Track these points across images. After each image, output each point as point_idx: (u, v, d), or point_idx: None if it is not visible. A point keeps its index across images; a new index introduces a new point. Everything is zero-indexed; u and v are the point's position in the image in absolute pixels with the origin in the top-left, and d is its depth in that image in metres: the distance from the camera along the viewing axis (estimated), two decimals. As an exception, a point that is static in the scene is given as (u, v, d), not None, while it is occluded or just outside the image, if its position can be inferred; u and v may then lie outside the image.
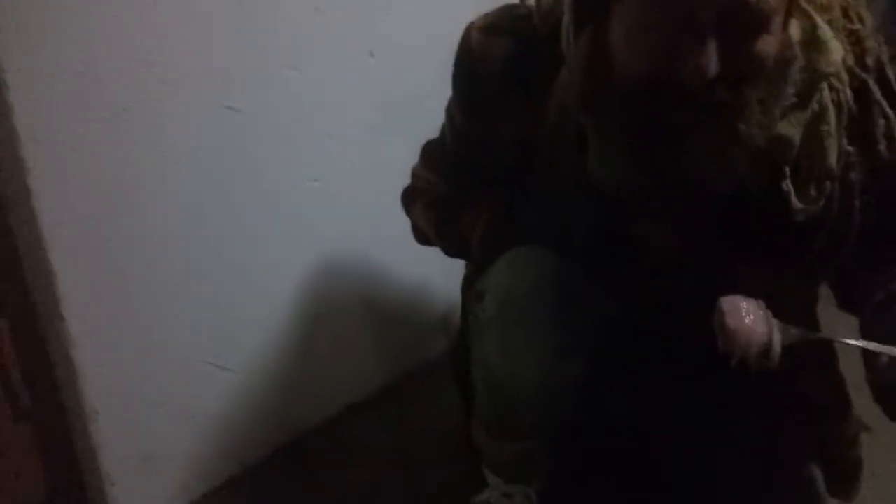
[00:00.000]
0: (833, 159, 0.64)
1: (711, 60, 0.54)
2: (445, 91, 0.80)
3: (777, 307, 0.77)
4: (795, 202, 0.64)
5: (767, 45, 0.56)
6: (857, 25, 0.65)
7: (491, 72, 0.73)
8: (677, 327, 0.74)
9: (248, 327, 1.08)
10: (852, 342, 0.58)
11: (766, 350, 0.55)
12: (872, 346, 0.56)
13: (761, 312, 0.56)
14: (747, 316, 0.55)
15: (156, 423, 1.00)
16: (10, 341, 0.86)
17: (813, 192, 0.65)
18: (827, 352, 0.83)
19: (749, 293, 0.72)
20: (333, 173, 1.10)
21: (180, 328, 0.99)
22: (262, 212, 1.03)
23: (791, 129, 0.62)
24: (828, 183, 0.65)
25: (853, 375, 0.72)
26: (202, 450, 1.07)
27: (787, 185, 0.64)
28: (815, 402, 0.82)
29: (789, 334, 0.56)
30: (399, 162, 0.92)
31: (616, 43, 0.59)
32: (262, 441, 1.16)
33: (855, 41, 0.65)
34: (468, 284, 0.91)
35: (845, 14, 0.65)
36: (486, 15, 0.75)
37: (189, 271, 0.97)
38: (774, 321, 0.56)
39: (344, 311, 1.22)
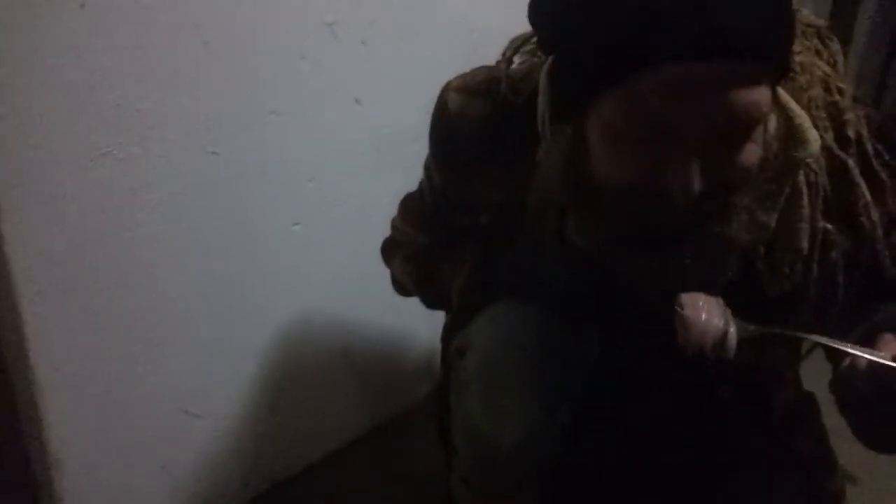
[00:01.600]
0: (804, 242, 0.64)
1: (695, 178, 0.53)
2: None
3: (762, 372, 0.76)
4: (768, 282, 0.65)
5: (752, 154, 0.56)
6: (837, 97, 0.65)
7: (468, 133, 0.72)
8: (662, 379, 0.73)
9: (223, 373, 1.06)
10: (811, 337, 0.58)
11: (722, 341, 0.56)
12: (831, 341, 0.56)
13: (718, 306, 0.57)
14: (704, 308, 0.57)
15: (125, 473, 0.97)
16: (-25, 387, 0.84)
17: (786, 270, 0.65)
18: (810, 405, 0.83)
19: (734, 362, 0.73)
20: (315, 217, 1.09)
21: (153, 375, 0.96)
22: (243, 255, 1.02)
23: (766, 215, 0.63)
24: (799, 264, 0.65)
25: (834, 423, 0.71)
26: (174, 500, 1.04)
27: (761, 265, 0.65)
28: (802, 456, 0.81)
29: (745, 328, 0.57)
30: (382, 207, 0.92)
31: (593, 146, 0.58)
32: (236, 490, 1.13)
33: (835, 115, 0.65)
34: (448, 334, 0.90)
35: (826, 89, 0.65)
36: (464, 75, 0.75)
37: (165, 316, 0.95)
38: (731, 316, 0.57)
39: (323, 357, 1.20)
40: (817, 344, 0.60)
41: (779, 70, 0.56)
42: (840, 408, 0.61)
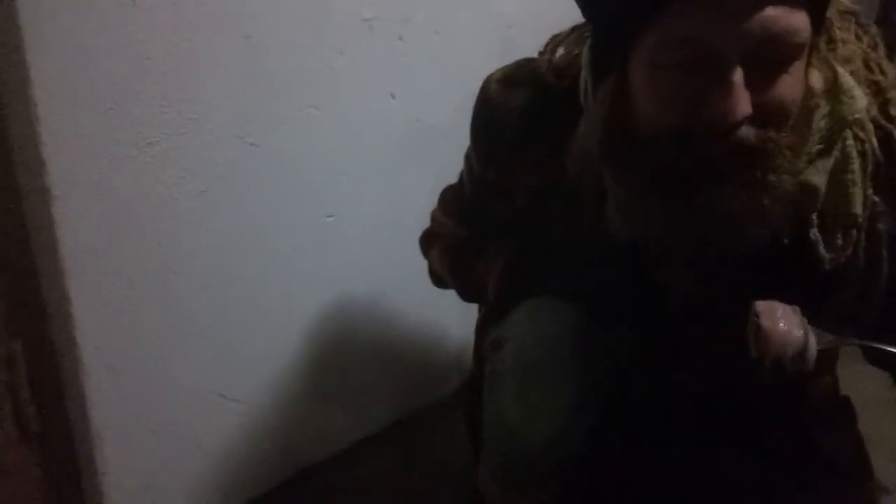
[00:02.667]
0: (858, 207, 0.62)
1: (739, 101, 0.52)
2: (464, 133, 0.81)
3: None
4: (822, 251, 0.63)
5: (791, 88, 0.55)
6: (879, 77, 0.65)
7: (509, 122, 0.73)
8: (697, 380, 0.73)
9: (258, 360, 1.09)
10: (888, 347, 0.56)
11: (802, 352, 0.54)
12: None
13: (796, 315, 0.56)
14: (783, 318, 0.55)
15: (161, 452, 1.00)
16: (24, 363, 0.88)
17: (839, 240, 0.63)
18: (847, 409, 0.82)
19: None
20: (348, 210, 1.11)
21: (191, 359, 1.00)
22: (278, 245, 1.05)
23: (817, 176, 0.61)
24: (854, 232, 0.63)
25: (871, 430, 0.70)
26: (206, 481, 1.07)
27: (815, 233, 0.63)
28: (835, 463, 0.80)
29: (824, 339, 0.55)
30: (416, 201, 0.94)
31: (636, 91, 0.58)
32: (266, 474, 1.16)
33: (877, 92, 0.65)
34: (483, 328, 0.90)
35: (866, 65, 0.65)
36: (506, 67, 0.76)
37: (203, 302, 0.98)
38: (809, 325, 0.55)
39: (355, 347, 1.22)
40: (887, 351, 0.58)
41: (816, 4, 0.55)
42: None
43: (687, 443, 0.77)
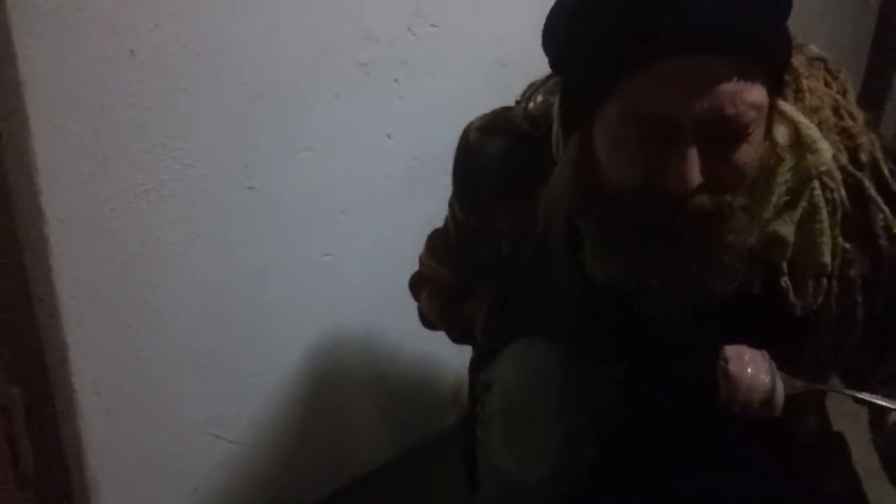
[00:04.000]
0: (827, 256, 0.64)
1: (693, 170, 0.55)
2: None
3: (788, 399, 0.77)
4: (792, 299, 0.65)
5: (748, 156, 0.57)
6: (849, 123, 0.66)
7: (487, 170, 0.75)
8: (687, 415, 0.73)
9: (254, 399, 1.09)
10: (857, 394, 0.57)
11: (769, 398, 0.55)
12: (878, 399, 0.55)
13: (765, 361, 0.56)
14: (751, 363, 0.55)
15: (158, 493, 1.00)
16: (22, 409, 0.88)
17: (810, 289, 0.65)
18: (839, 445, 0.82)
19: None
20: (345, 248, 1.12)
21: (187, 400, 1.00)
22: (275, 285, 1.06)
23: (784, 227, 0.63)
24: (824, 280, 0.65)
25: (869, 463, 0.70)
26: (202, 522, 1.07)
27: (785, 281, 0.65)
28: (832, 498, 0.79)
29: (792, 384, 0.56)
30: (411, 239, 0.95)
31: (600, 151, 0.61)
32: (262, 514, 1.15)
33: (848, 138, 0.66)
34: (475, 368, 0.91)
35: (836, 113, 0.66)
36: (485, 115, 0.79)
37: (199, 343, 0.99)
38: (777, 371, 0.56)
39: (352, 384, 1.22)
40: (858, 399, 0.59)
41: (775, 72, 0.58)
42: (882, 462, 0.60)
43: (681, 478, 0.77)
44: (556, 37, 0.64)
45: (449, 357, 1.30)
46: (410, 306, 0.96)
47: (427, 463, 1.34)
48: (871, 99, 2.36)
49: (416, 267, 0.95)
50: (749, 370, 0.55)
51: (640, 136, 0.57)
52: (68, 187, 0.81)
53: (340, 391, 1.20)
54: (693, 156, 0.55)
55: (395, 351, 1.26)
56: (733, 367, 0.55)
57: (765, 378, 0.55)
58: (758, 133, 0.58)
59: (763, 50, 0.55)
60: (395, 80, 1.11)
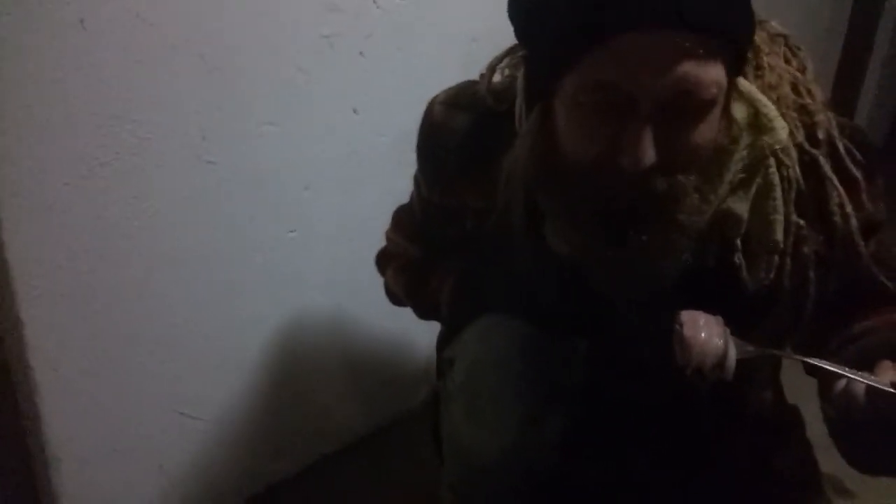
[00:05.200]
0: (779, 234, 0.65)
1: (648, 150, 0.55)
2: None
3: (743, 374, 0.77)
4: (746, 275, 0.65)
5: (704, 136, 0.57)
6: (808, 100, 0.67)
7: (451, 146, 0.75)
8: (648, 390, 0.74)
9: (221, 376, 1.09)
10: (808, 359, 0.57)
11: (721, 361, 0.55)
12: (827, 364, 0.55)
13: (718, 326, 0.57)
14: (704, 328, 0.56)
15: (122, 472, 1.00)
16: (-21, 387, 0.87)
17: (763, 265, 0.66)
18: (794, 418, 0.83)
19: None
20: (311, 225, 1.11)
21: (150, 378, 0.99)
22: (239, 261, 1.05)
23: (739, 204, 0.63)
24: (776, 257, 0.65)
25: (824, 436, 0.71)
26: (169, 500, 1.06)
27: (739, 257, 0.65)
28: (786, 474, 0.81)
29: (745, 349, 0.57)
30: (378, 215, 0.94)
31: (559, 125, 0.60)
32: (232, 492, 1.15)
33: (805, 115, 0.66)
34: (441, 344, 0.91)
35: (795, 90, 0.67)
36: (449, 89, 0.78)
37: (162, 320, 0.98)
38: (731, 336, 0.57)
39: (321, 361, 1.22)
40: (807, 363, 0.60)
41: (736, 51, 0.57)
42: (831, 431, 0.61)
43: (642, 455, 0.78)
44: (520, 7, 0.63)
45: (420, 333, 1.30)
46: (379, 283, 0.96)
47: (398, 439, 1.34)
48: (848, 76, 2.36)
49: (384, 243, 0.95)
50: (703, 334, 0.56)
51: (598, 111, 0.56)
52: (18, 161, 0.79)
53: (309, 369, 1.20)
54: (648, 134, 0.55)
55: (364, 328, 1.26)
56: (687, 331, 0.56)
57: (717, 342, 0.56)
58: (715, 111, 0.57)
59: (727, 27, 0.55)
60: (361, 53, 1.09)
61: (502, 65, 0.74)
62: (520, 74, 0.68)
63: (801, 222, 0.65)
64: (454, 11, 1.18)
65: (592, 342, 0.76)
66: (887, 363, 0.55)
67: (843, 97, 2.34)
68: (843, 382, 0.57)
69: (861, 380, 0.52)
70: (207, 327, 1.04)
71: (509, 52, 0.74)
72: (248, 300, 1.08)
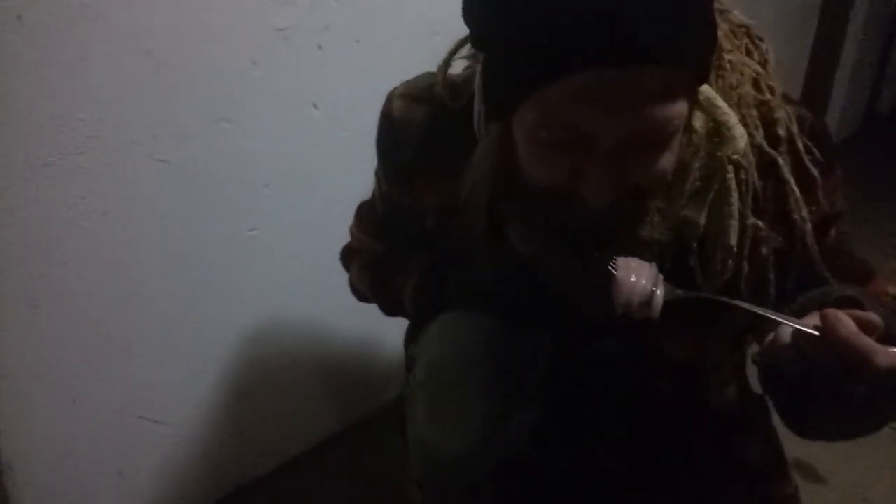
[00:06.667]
0: (733, 239, 0.64)
1: (607, 185, 0.53)
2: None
3: (705, 372, 0.77)
4: (701, 278, 0.65)
5: (667, 162, 0.56)
6: (768, 96, 0.65)
7: (409, 140, 0.73)
8: (613, 384, 0.74)
9: (182, 380, 1.07)
10: (734, 303, 0.58)
11: (648, 301, 0.58)
12: (755, 308, 0.56)
13: (648, 269, 0.59)
14: (635, 270, 0.59)
15: (80, 479, 0.98)
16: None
17: (717, 267, 0.66)
18: (758, 408, 0.83)
19: (675, 360, 0.73)
20: (272, 223, 1.09)
21: (107, 382, 0.97)
22: (198, 262, 1.03)
23: (696, 211, 0.63)
24: (730, 261, 0.65)
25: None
26: (131, 505, 1.05)
27: (694, 261, 0.65)
28: (751, 464, 0.81)
29: (672, 291, 0.59)
30: (341, 211, 0.92)
31: (519, 148, 0.58)
32: (199, 494, 1.14)
33: (766, 112, 0.65)
34: (409, 340, 0.90)
35: (756, 86, 0.65)
36: (408, 82, 0.76)
37: (116, 324, 0.96)
38: (662, 279, 0.59)
39: (285, 361, 1.20)
40: (735, 306, 0.60)
41: (698, 76, 0.55)
42: (762, 383, 0.61)
43: (607, 448, 0.78)
44: (475, 14, 0.59)
45: (387, 332, 1.29)
46: (345, 280, 0.95)
47: (369, 437, 1.33)
48: (821, 65, 2.37)
49: (347, 240, 0.93)
50: (632, 276, 0.58)
51: (557, 145, 0.54)
52: (-46, 162, 0.77)
53: (275, 368, 1.18)
54: (610, 171, 0.53)
55: (330, 326, 1.24)
56: (619, 273, 0.59)
57: (644, 283, 0.58)
58: (678, 136, 0.55)
59: (693, 58, 0.52)
60: (319, 46, 1.07)
61: (459, 55, 0.71)
62: (478, 73, 0.64)
63: (760, 224, 0.65)
64: (415, 4, 1.16)
65: (556, 337, 0.76)
66: (815, 312, 0.54)
67: (817, 85, 2.35)
68: (772, 333, 0.57)
69: (786, 322, 0.53)
70: (166, 329, 1.02)
71: (463, 42, 0.71)
72: (208, 301, 1.06)
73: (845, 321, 0.49)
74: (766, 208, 0.66)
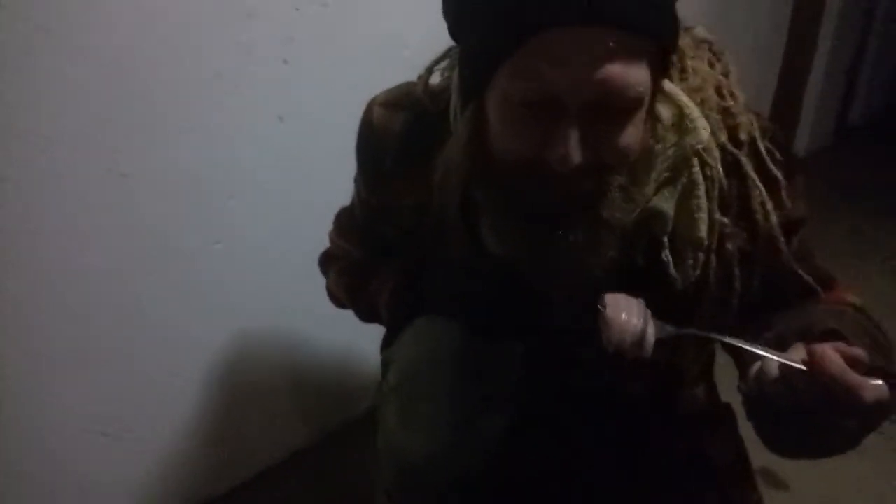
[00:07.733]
0: (703, 231, 0.66)
1: (575, 148, 0.56)
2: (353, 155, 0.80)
3: (674, 368, 0.78)
4: (672, 271, 0.67)
5: (631, 137, 0.58)
6: (730, 102, 0.68)
7: (389, 146, 0.75)
8: (586, 387, 0.74)
9: (145, 395, 1.06)
10: (725, 339, 0.59)
11: (640, 340, 0.58)
12: (741, 343, 0.57)
13: (637, 307, 0.60)
14: (625, 309, 0.59)
15: (38, 496, 0.96)
16: None
17: (689, 261, 0.67)
18: (727, 415, 0.84)
19: (649, 360, 0.74)
20: (237, 235, 1.09)
21: (68, 397, 0.96)
22: (160, 276, 1.02)
23: (664, 203, 0.65)
24: (701, 254, 0.67)
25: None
26: (94, 522, 1.03)
27: (666, 254, 0.67)
28: (721, 466, 0.82)
29: (664, 329, 0.60)
30: (307, 223, 0.92)
31: (492, 125, 0.61)
32: (164, 509, 1.12)
33: (728, 117, 0.68)
34: (384, 346, 0.90)
35: (718, 92, 0.68)
36: (389, 90, 0.78)
37: (75, 340, 0.95)
38: (651, 317, 0.60)
39: (251, 374, 1.20)
40: (723, 342, 0.61)
41: (661, 52, 0.58)
42: (747, 412, 0.62)
43: (578, 452, 0.79)
44: (451, 3, 0.63)
45: (363, 339, 1.29)
46: (310, 292, 0.95)
47: (344, 447, 1.33)
48: (792, 74, 2.40)
49: (317, 250, 0.93)
50: (623, 315, 0.58)
51: (526, 111, 0.57)
52: None
53: (244, 382, 1.18)
54: (576, 133, 0.56)
55: (300, 338, 1.24)
56: (609, 312, 0.59)
57: (636, 321, 0.58)
58: (641, 113, 0.58)
59: (650, 27, 0.56)
60: (285, 60, 1.07)
61: (440, 66, 0.74)
62: (455, 72, 0.68)
63: (725, 220, 0.67)
64: (380, 17, 1.17)
65: (528, 342, 0.76)
66: (799, 345, 0.56)
67: (788, 100, 2.38)
68: (758, 363, 0.58)
69: (774, 357, 0.54)
70: (129, 344, 1.01)
71: (447, 54, 0.74)
72: (172, 315, 1.05)
73: (833, 357, 0.51)
74: (731, 205, 0.68)
